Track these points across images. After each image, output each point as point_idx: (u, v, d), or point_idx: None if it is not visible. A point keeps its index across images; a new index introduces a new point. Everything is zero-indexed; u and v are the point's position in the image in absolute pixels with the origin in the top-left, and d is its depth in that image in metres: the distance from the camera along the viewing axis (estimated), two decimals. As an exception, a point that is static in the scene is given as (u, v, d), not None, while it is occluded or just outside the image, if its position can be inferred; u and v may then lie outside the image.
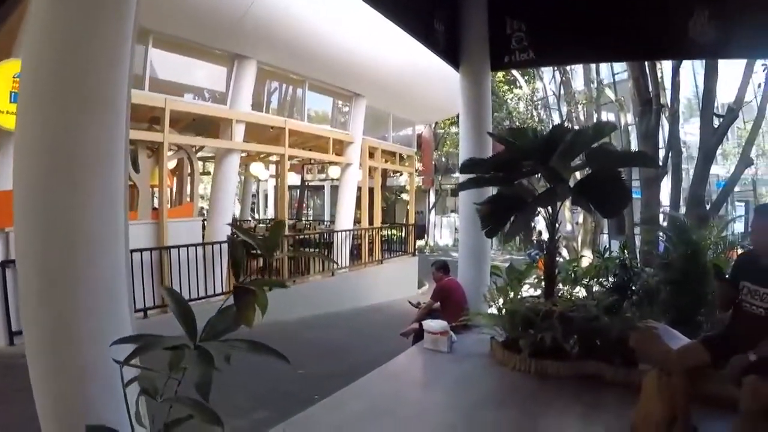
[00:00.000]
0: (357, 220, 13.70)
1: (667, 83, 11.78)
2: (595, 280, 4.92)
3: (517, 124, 18.18)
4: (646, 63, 9.78)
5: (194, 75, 9.20)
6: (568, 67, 16.85)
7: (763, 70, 11.27)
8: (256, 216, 22.11)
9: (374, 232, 13.24)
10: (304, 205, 23.26)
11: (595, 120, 15.26)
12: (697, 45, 5.22)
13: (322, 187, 24.05)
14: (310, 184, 21.97)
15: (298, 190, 20.79)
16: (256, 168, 13.12)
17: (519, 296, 4.88)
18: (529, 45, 6.04)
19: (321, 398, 3.80)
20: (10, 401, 2.22)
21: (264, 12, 7.84)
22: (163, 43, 7.89)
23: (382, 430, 3.32)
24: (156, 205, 9.02)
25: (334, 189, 16.25)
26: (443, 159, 25.08)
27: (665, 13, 5.31)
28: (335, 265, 11.08)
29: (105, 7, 1.98)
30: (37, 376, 1.94)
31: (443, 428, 3.39)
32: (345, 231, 11.75)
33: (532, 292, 5.10)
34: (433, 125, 21.38)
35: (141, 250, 6.96)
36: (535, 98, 20.59)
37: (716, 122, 10.51)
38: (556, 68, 17.47)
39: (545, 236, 4.92)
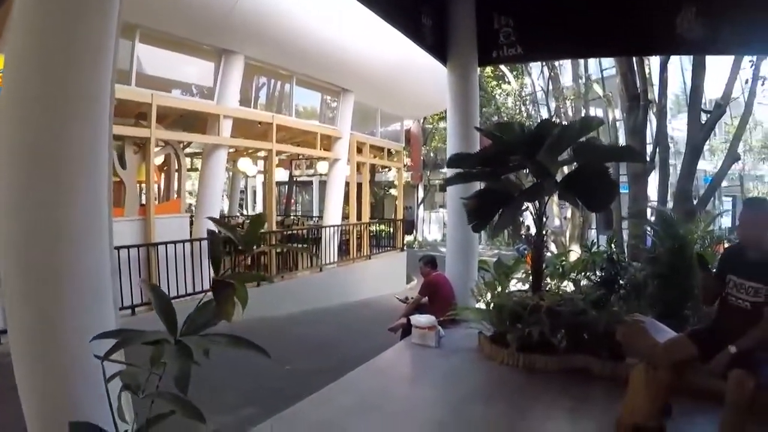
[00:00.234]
0: (345, 216, 13.68)
1: (655, 79, 11.90)
2: (583, 274, 4.93)
3: (506, 119, 18.13)
4: (634, 59, 9.83)
5: (181, 70, 9.09)
6: (556, 63, 16.92)
7: (751, 67, 11.44)
8: (245, 212, 22.00)
9: (363, 228, 13.22)
10: (293, 200, 23.22)
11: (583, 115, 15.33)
12: (684, 41, 5.26)
13: (311, 182, 24.04)
14: (298, 179, 21.93)
15: (287, 186, 20.75)
16: (244, 164, 13.06)
17: (507, 291, 4.90)
18: (517, 40, 6.05)
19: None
20: (6, 400, 2.20)
21: (252, 7, 7.79)
22: (150, 38, 7.79)
23: (370, 425, 3.32)
24: (143, 201, 8.94)
25: (323, 184, 16.22)
26: (432, 154, 25.02)
27: (653, 9, 5.35)
28: (323, 261, 11.04)
29: (88, 4, 1.97)
30: (22, 375, 1.93)
31: (431, 423, 3.40)
32: (333, 226, 11.72)
33: (520, 286, 5.12)
34: (422, 120, 21.35)
35: (128, 247, 6.91)
36: (523, 94, 20.60)
37: (704, 118, 10.63)
38: (544, 64, 17.54)
39: (533, 231, 4.94)
